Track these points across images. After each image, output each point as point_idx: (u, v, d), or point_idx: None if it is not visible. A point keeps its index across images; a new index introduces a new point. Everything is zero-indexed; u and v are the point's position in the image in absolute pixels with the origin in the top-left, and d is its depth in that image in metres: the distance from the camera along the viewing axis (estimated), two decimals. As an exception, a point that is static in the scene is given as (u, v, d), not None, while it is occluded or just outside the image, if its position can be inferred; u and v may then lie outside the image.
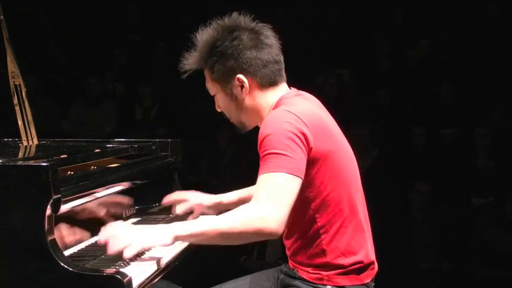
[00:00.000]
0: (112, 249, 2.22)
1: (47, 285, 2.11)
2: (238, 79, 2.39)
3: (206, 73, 2.46)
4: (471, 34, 7.09)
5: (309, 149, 2.24)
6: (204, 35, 2.45)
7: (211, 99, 2.55)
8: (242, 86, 2.40)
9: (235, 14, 2.46)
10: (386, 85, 6.87)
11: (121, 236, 2.24)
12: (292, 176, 2.15)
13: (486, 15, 7.18)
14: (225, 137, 6.59)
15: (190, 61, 2.47)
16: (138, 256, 2.43)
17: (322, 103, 2.53)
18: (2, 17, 2.90)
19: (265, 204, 2.11)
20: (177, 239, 2.22)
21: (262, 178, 2.16)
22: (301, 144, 2.21)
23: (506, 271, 5.31)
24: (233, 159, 6.55)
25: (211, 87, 2.48)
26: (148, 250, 2.47)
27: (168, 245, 2.24)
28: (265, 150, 2.19)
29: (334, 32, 7.63)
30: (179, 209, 2.91)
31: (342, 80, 7.14)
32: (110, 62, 7.82)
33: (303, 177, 2.19)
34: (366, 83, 7.07)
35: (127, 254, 2.21)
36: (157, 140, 3.34)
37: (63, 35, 8.00)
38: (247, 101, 2.43)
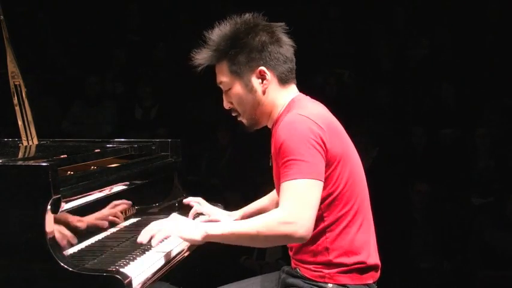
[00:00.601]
0: (155, 241, 2.31)
1: (47, 285, 2.11)
2: (261, 71, 2.42)
3: (223, 66, 2.45)
4: (471, 34, 7.08)
5: (326, 151, 2.29)
6: (221, 31, 2.45)
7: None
8: (263, 79, 2.42)
9: (249, 15, 2.47)
10: (387, 85, 6.86)
11: (160, 228, 2.31)
12: (314, 180, 2.22)
13: (486, 15, 7.18)
14: (225, 137, 6.59)
15: (203, 56, 2.47)
16: (138, 256, 2.43)
17: (323, 103, 2.55)
18: (2, 17, 2.90)
19: (292, 210, 2.18)
20: (207, 237, 2.27)
21: (286, 185, 2.23)
22: (319, 148, 2.26)
23: (506, 271, 5.31)
24: (233, 159, 6.54)
25: (227, 81, 2.46)
26: (149, 250, 2.48)
27: (196, 242, 2.29)
28: (286, 156, 2.25)
29: (334, 32, 7.62)
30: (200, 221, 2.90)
31: (342, 80, 7.13)
32: (109, 62, 7.81)
33: (323, 180, 2.26)
34: (366, 83, 7.07)
35: (156, 239, 2.30)
36: (157, 140, 3.34)
37: (63, 35, 8.00)
38: (266, 94, 2.44)
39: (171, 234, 2.33)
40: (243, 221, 2.33)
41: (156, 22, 8.05)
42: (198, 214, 2.97)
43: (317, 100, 2.53)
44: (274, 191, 2.83)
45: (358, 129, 6.18)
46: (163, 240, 2.38)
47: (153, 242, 2.32)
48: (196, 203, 2.97)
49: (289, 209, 2.19)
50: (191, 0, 7.98)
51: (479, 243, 5.48)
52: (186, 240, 2.32)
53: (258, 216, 2.28)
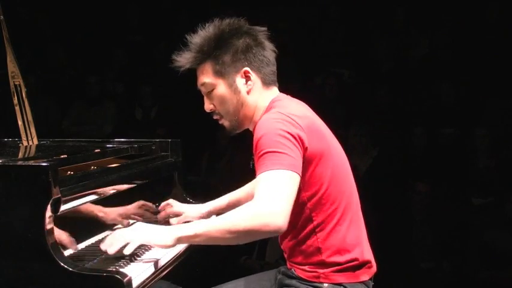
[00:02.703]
0: (113, 249, 2.26)
1: (47, 285, 2.11)
2: (245, 72, 2.42)
3: (206, 67, 2.45)
4: (471, 34, 7.08)
5: (304, 149, 2.28)
6: (204, 33, 2.45)
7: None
8: (248, 80, 2.43)
9: (231, 18, 2.48)
10: (386, 85, 6.86)
11: (122, 236, 2.27)
12: (290, 171, 2.17)
13: (486, 15, 7.18)
14: (225, 137, 6.59)
15: (185, 58, 2.47)
16: (138, 256, 2.43)
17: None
18: (2, 17, 2.90)
19: (267, 201, 2.12)
20: (179, 240, 2.23)
21: (261, 177, 2.18)
22: (296, 143, 2.24)
23: (506, 271, 5.31)
24: (233, 159, 6.54)
25: (210, 82, 2.46)
26: (149, 250, 2.47)
27: (168, 247, 2.25)
28: (261, 150, 2.22)
29: (334, 32, 7.62)
30: (174, 222, 2.91)
31: (342, 80, 7.13)
32: (110, 62, 7.81)
33: (300, 173, 2.22)
34: (366, 83, 7.07)
35: (127, 251, 2.24)
36: (157, 140, 3.34)
37: (63, 35, 8.00)
38: (250, 96, 2.45)
39: (140, 242, 2.27)
40: (215, 218, 2.27)
41: (156, 22, 8.05)
42: (171, 216, 2.95)
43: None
44: (250, 184, 2.85)
45: (358, 129, 6.20)
46: (120, 250, 2.28)
47: (109, 251, 2.27)
48: (167, 205, 2.95)
49: (263, 200, 2.12)
50: (191, 1, 7.98)
51: (479, 243, 5.48)
52: (157, 246, 2.26)
53: (231, 211, 2.20)
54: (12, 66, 2.93)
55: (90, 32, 7.98)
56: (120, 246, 2.27)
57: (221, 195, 3.00)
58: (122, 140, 3.34)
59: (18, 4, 7.17)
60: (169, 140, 3.32)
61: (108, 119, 7.29)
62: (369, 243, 2.48)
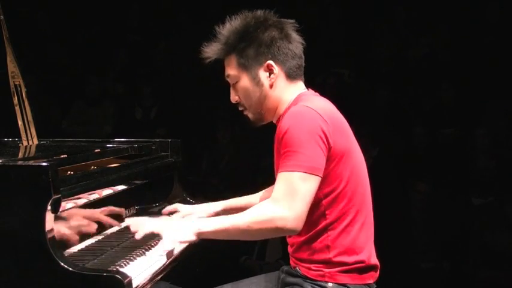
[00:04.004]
0: (140, 233, 2.33)
1: (47, 285, 2.11)
2: (269, 65, 2.43)
3: (231, 59, 2.47)
4: (471, 34, 7.08)
5: (329, 146, 2.29)
6: (231, 25, 2.47)
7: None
8: (271, 73, 2.43)
9: (261, 11, 2.49)
10: (386, 85, 6.86)
11: (150, 225, 2.35)
12: (309, 174, 2.22)
13: (486, 15, 7.18)
14: (225, 137, 6.59)
15: (212, 49, 2.49)
16: (138, 256, 2.43)
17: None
18: (2, 17, 2.90)
19: (283, 202, 2.19)
20: (200, 235, 2.30)
21: (281, 176, 2.24)
22: (320, 142, 2.26)
23: (506, 271, 5.31)
24: (233, 159, 6.54)
25: (235, 74, 2.47)
26: (149, 249, 2.48)
27: (191, 242, 2.33)
28: (287, 147, 2.25)
29: (334, 32, 7.62)
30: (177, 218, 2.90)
31: (342, 80, 7.13)
32: (110, 62, 7.81)
33: (321, 175, 2.25)
34: (366, 83, 7.07)
35: (141, 232, 2.34)
36: (157, 140, 3.34)
37: (63, 35, 8.00)
38: (273, 89, 2.45)
39: (164, 236, 2.32)
40: (234, 215, 2.32)
41: (156, 22, 8.05)
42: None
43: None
44: (265, 191, 2.82)
45: (358, 129, 6.19)
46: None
47: (137, 236, 2.35)
48: (174, 209, 2.93)
49: (280, 200, 2.20)
50: (191, 1, 7.98)
51: (479, 243, 5.48)
52: (182, 242, 2.36)
53: (249, 209, 2.28)
54: (12, 66, 2.93)
55: (90, 32, 7.98)
56: (146, 233, 2.35)
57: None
58: (122, 140, 3.34)
59: (18, 4, 7.16)
60: (169, 140, 3.31)
61: (108, 119, 7.29)
62: (374, 247, 2.48)
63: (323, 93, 2.55)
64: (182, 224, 2.36)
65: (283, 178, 2.23)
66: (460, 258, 5.56)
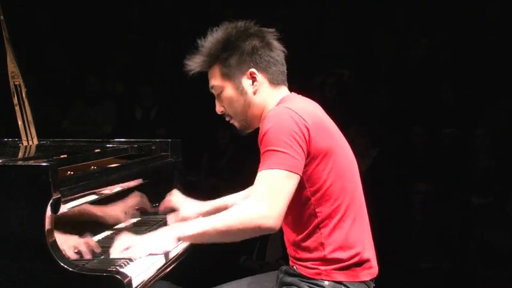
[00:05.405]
0: (116, 251, 2.31)
1: (47, 285, 2.11)
2: (251, 73, 2.46)
3: (215, 70, 2.49)
4: (471, 34, 7.08)
5: (309, 146, 2.31)
6: (213, 37, 2.50)
7: (211, 99, 2.55)
8: (254, 80, 2.47)
9: (241, 22, 2.52)
10: (386, 85, 6.86)
11: (127, 240, 2.34)
12: (289, 172, 2.24)
13: (486, 15, 7.18)
14: (225, 137, 6.59)
15: (196, 62, 2.51)
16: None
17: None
18: (2, 17, 2.90)
19: (262, 201, 2.20)
20: (180, 240, 2.33)
21: (260, 175, 2.25)
22: (300, 141, 2.28)
23: (506, 271, 5.31)
24: (233, 159, 6.54)
25: (219, 85, 2.50)
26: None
27: (171, 250, 2.34)
28: (265, 146, 2.28)
29: (334, 32, 7.62)
30: (171, 220, 2.90)
31: (342, 80, 7.14)
32: (110, 62, 7.81)
33: (301, 174, 2.27)
34: (366, 83, 7.07)
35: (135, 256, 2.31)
36: (157, 140, 3.34)
37: (63, 35, 8.00)
38: (257, 96, 2.48)
39: (144, 254, 2.32)
40: (212, 217, 2.31)
41: (156, 22, 8.05)
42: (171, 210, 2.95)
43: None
44: (249, 189, 2.82)
45: (358, 129, 6.20)
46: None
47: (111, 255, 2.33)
48: (169, 194, 2.96)
49: (258, 201, 2.20)
50: (191, 1, 7.98)
51: (479, 243, 5.48)
52: (161, 251, 2.36)
53: (227, 210, 2.28)
54: (12, 66, 2.93)
55: (91, 32, 7.98)
56: (124, 248, 2.33)
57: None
58: (122, 140, 3.34)
59: (18, 4, 7.16)
60: (169, 140, 3.32)
61: (108, 119, 7.29)
62: (373, 245, 2.49)
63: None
64: (158, 235, 2.35)
65: (262, 176, 2.24)
66: (460, 258, 5.56)
